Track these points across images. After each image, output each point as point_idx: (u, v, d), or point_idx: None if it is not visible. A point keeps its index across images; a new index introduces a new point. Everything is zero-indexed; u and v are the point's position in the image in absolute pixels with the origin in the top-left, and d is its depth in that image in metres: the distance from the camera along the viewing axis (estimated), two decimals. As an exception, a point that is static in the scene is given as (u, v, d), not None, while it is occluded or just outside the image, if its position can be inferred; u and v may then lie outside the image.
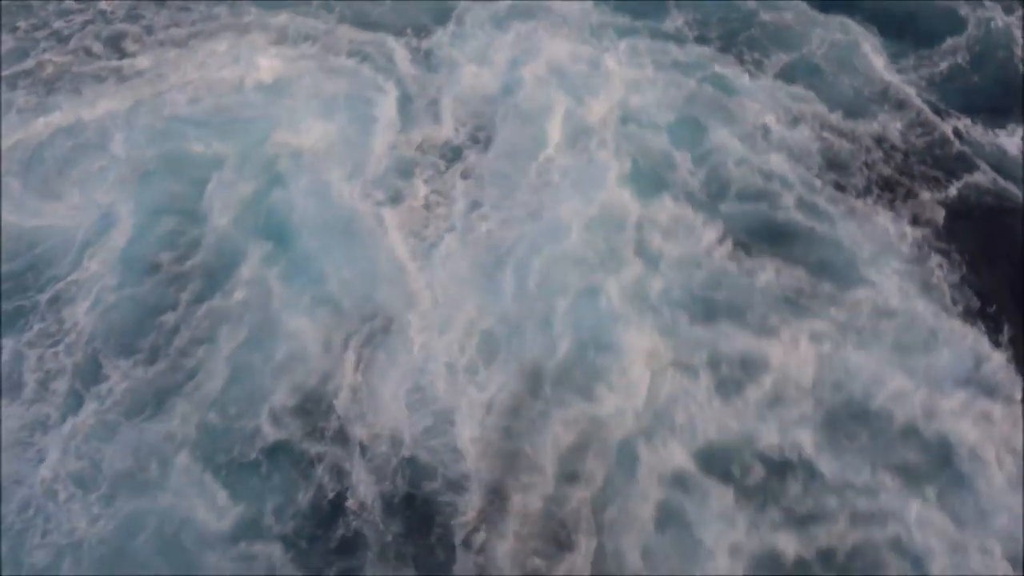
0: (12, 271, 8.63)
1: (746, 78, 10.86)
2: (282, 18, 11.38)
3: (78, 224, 8.95)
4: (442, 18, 11.55)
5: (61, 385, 7.81)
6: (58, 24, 11.23)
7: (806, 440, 7.59)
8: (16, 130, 9.80)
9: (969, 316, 8.50)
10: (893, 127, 10.37)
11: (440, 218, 9.22)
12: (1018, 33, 11.32)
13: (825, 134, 10.36)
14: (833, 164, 10.02)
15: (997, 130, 10.23)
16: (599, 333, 8.24)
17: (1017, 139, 10.06)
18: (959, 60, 11.07)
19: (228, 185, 9.35)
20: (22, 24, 11.22)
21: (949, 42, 11.29)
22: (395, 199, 9.32)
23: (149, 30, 11.27)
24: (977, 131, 10.25)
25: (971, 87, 10.77)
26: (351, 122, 10.08)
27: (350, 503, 7.19)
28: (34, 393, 7.78)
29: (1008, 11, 11.62)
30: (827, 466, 7.46)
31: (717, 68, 10.94)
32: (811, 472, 7.44)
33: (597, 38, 11.36)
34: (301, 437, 7.51)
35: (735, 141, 10.04)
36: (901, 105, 10.65)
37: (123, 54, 10.89)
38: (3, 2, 11.49)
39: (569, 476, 7.34)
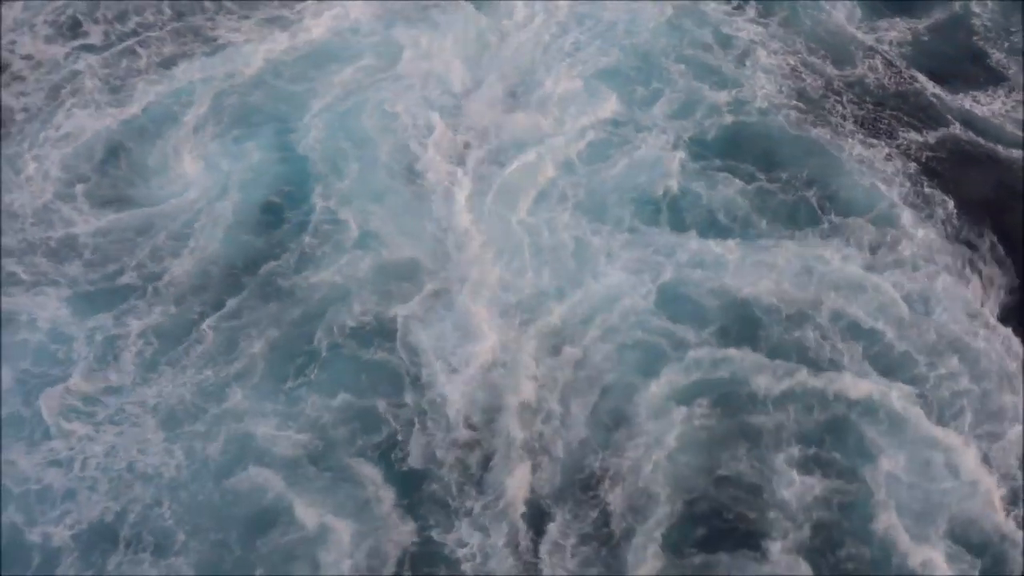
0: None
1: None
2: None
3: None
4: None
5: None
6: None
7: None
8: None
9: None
10: (869, 76, 10.77)
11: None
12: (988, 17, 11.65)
13: (804, 73, 10.66)
14: (810, 97, 10.38)
15: (966, 93, 10.72)
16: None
17: (983, 102, 10.57)
18: (934, 31, 11.48)
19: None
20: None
21: (927, 15, 11.64)
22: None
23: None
24: (946, 91, 10.71)
25: (942, 55, 11.21)
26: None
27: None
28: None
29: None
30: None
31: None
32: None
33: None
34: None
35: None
36: (876, 60, 10.99)
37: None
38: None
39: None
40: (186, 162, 9.40)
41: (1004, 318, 8.36)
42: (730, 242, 8.71)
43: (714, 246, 8.68)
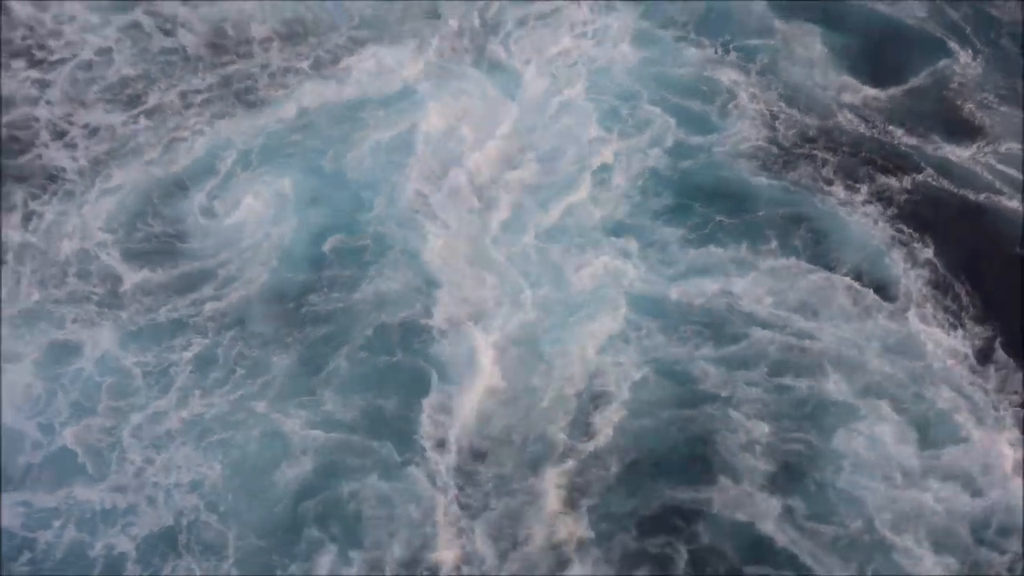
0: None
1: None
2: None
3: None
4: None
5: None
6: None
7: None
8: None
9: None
10: (845, 125, 11.49)
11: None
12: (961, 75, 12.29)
13: (780, 121, 11.49)
14: (785, 144, 11.19)
15: (940, 143, 11.31)
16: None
17: (958, 151, 11.18)
18: (910, 91, 12.08)
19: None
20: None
21: (908, 70, 12.28)
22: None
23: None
24: (921, 141, 11.34)
25: (917, 110, 11.81)
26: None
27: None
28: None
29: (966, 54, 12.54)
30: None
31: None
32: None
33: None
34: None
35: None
36: (851, 113, 11.71)
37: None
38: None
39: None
40: (228, 205, 10.40)
41: (985, 357, 9.14)
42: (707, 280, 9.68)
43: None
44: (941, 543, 7.83)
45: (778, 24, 12.48)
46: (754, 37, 12.30)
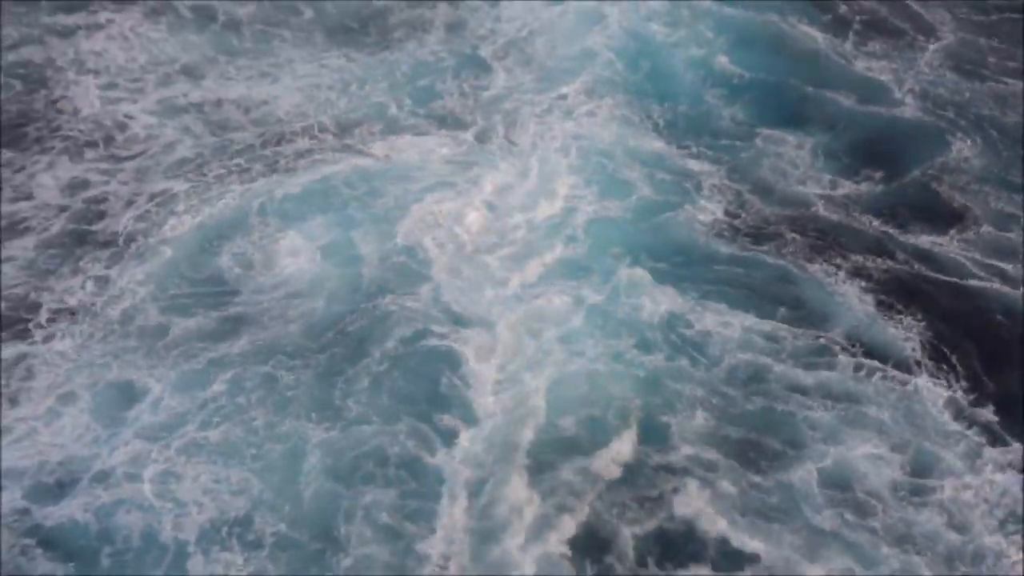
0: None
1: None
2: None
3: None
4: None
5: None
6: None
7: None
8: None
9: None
10: (818, 211, 12.60)
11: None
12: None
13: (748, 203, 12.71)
14: (756, 224, 12.33)
15: (914, 230, 12.30)
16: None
17: (934, 236, 12.16)
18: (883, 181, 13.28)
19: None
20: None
21: (895, 169, 13.47)
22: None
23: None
24: (893, 228, 12.36)
25: (889, 198, 12.92)
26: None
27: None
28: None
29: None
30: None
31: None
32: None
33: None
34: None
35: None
36: (823, 202, 12.87)
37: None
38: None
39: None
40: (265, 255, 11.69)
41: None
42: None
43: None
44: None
45: (759, 129, 14.16)
46: (734, 139, 13.90)
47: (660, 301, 11.00)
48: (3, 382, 10.00)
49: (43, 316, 10.99)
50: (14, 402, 9.84)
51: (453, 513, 8.56)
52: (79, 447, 9.27)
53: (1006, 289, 11.71)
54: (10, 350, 10.49)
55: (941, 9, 16.64)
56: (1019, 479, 9.23)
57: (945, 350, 10.79)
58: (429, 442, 9.29)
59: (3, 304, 11.08)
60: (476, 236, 11.91)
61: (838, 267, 11.80)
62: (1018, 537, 8.66)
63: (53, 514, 8.55)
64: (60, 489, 8.73)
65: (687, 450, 9.33)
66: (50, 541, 8.29)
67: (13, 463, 9.07)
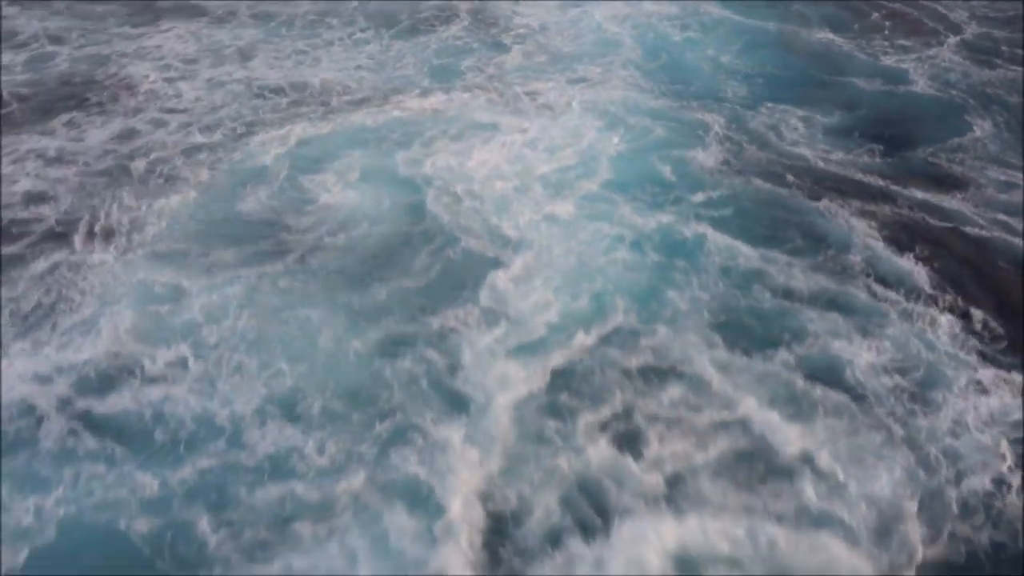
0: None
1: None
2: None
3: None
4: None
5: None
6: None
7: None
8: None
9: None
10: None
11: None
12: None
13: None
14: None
15: (922, 191, 12.53)
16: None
17: (937, 196, 12.38)
18: (895, 148, 13.76)
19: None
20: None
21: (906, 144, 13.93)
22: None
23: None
24: (901, 187, 12.65)
25: (899, 163, 13.34)
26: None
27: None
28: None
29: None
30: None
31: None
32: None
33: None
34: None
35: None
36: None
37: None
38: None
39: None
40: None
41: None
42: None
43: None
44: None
45: (769, 104, 14.83)
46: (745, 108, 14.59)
47: (672, 223, 11.38)
48: (48, 288, 10.48)
49: (84, 231, 11.70)
50: (58, 306, 10.18)
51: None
52: (125, 346, 9.41)
53: (1008, 237, 11.84)
54: (54, 258, 11.11)
55: (960, 8, 17.42)
56: (1018, 402, 9.11)
57: (950, 287, 10.85)
58: (462, 329, 9.58)
59: (53, 220, 11.87)
60: (509, 170, 12.54)
61: (841, 207, 12.07)
62: (1013, 446, 8.51)
63: (102, 403, 8.55)
64: (108, 382, 8.79)
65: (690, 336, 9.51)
66: (99, 426, 8.22)
67: (60, 361, 9.16)
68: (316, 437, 7.99)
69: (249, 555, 6.86)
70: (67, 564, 6.82)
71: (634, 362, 9.04)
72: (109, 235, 11.57)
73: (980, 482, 7.88)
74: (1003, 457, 8.24)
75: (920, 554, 7.20)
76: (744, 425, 8.40)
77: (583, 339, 9.32)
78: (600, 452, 7.94)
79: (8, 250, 11.04)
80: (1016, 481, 7.92)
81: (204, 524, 7.06)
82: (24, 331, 9.57)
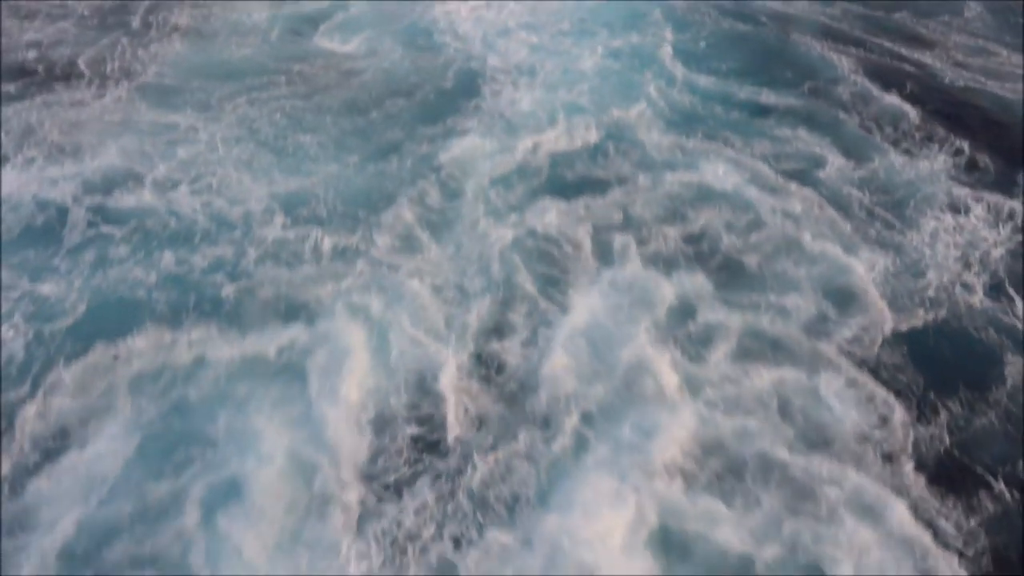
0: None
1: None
2: None
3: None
4: None
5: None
6: None
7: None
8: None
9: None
10: None
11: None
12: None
13: None
14: None
15: (909, 50, 13.11)
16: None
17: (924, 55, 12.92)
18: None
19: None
20: None
21: None
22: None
23: None
24: (891, 43, 13.23)
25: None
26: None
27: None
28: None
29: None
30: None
31: None
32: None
33: None
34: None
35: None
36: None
37: None
38: None
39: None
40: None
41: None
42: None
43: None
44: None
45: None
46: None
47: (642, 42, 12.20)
48: (57, 121, 10.70)
49: (87, 73, 11.92)
50: (67, 133, 10.41)
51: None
52: (133, 163, 9.70)
53: (997, 91, 12.25)
54: (61, 96, 11.33)
55: None
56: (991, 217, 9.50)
57: (939, 126, 11.18)
58: (456, 133, 10.31)
59: (57, 67, 12.10)
60: (510, 20, 13.37)
61: (830, 50, 12.54)
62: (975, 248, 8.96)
63: (115, 202, 8.93)
64: (120, 188, 9.15)
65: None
66: (116, 220, 8.61)
67: (72, 174, 9.44)
68: (320, 229, 8.53)
69: (262, 317, 7.42)
70: (94, 331, 7.23)
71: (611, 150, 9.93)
72: (110, 76, 11.84)
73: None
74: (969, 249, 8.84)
75: (889, 327, 7.74)
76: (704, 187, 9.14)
77: (561, 128, 10.29)
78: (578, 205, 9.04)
79: (8, 88, 11.33)
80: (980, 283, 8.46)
81: (223, 292, 7.60)
82: (26, 152, 9.83)
